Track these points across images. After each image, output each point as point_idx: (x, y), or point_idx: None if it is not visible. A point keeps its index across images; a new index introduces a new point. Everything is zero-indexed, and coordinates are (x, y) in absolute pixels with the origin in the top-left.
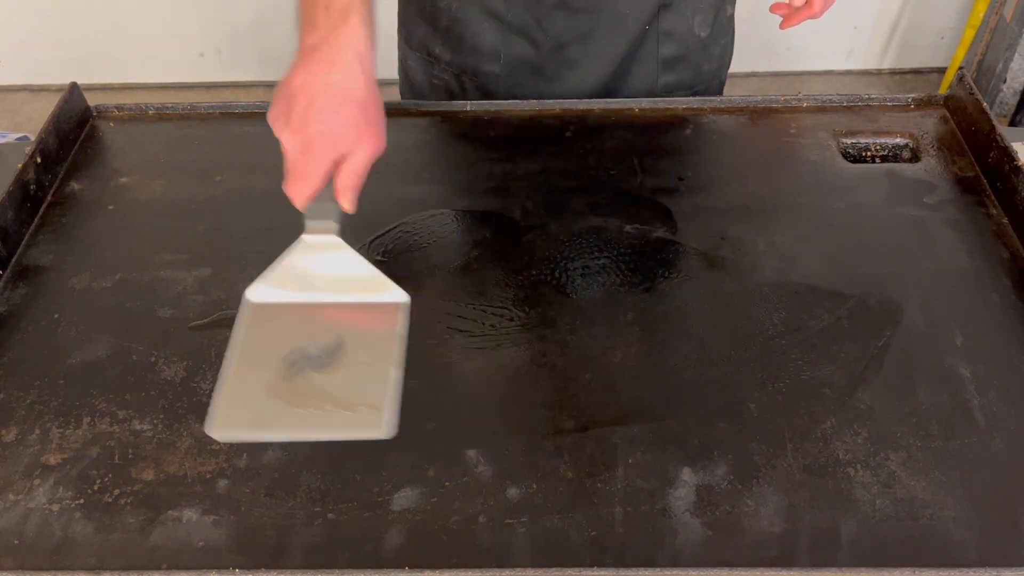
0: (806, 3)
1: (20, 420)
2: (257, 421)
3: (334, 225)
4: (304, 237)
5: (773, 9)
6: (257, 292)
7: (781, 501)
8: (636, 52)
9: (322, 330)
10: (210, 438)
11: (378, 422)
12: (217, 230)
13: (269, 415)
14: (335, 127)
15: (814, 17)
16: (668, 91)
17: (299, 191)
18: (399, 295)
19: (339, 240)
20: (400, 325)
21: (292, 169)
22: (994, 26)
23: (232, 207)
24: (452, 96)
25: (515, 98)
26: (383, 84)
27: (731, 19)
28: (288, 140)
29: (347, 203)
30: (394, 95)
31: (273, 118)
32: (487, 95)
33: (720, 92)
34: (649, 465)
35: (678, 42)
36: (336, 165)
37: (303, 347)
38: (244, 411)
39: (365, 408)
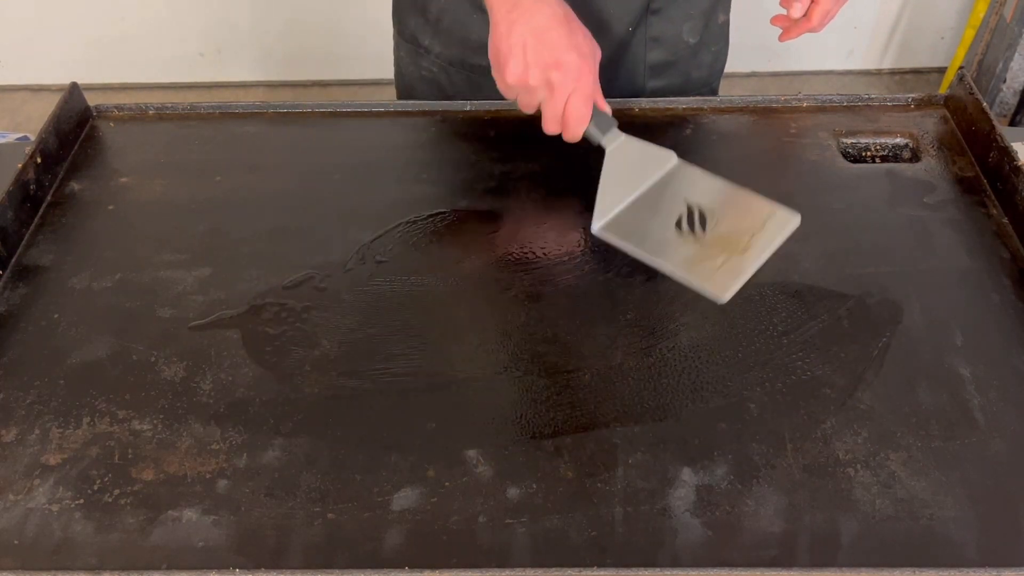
0: (805, 16)
1: (20, 420)
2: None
3: (615, 124)
4: (610, 149)
5: (773, 21)
6: (604, 215)
7: (781, 501)
8: (623, 56)
9: (679, 200)
10: (209, 438)
11: (788, 216)
12: (217, 230)
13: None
14: (588, 47)
15: (813, 31)
16: (656, 96)
17: (586, 113)
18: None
19: (626, 135)
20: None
21: (574, 98)
22: (994, 26)
23: (232, 207)
24: (441, 89)
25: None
26: (380, 84)
27: (724, 26)
28: (559, 77)
29: (606, 104)
30: (391, 94)
31: (519, 74)
32: (476, 88)
33: None
34: (649, 465)
35: (666, 48)
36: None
37: (682, 213)
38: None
39: (775, 215)
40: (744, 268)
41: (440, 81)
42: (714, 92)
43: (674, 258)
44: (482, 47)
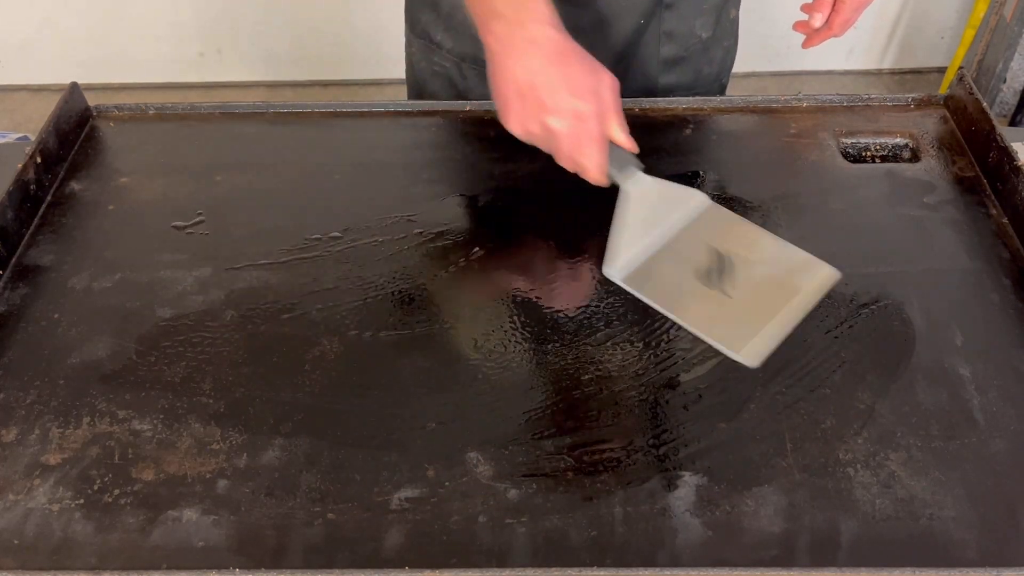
0: (826, 24)
1: (20, 420)
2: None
3: (639, 165)
4: (627, 189)
5: (795, 27)
6: (620, 266)
7: (781, 501)
8: (636, 51)
9: (704, 246)
10: (209, 438)
11: (827, 273)
12: (217, 230)
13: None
14: (589, 84)
15: (835, 36)
16: (668, 92)
17: (598, 156)
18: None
19: (650, 177)
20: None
21: (579, 142)
22: (994, 26)
23: (232, 207)
24: (452, 84)
25: None
26: (380, 84)
27: (734, 22)
28: (559, 123)
29: (631, 142)
30: (391, 94)
31: (523, 118)
32: (487, 83)
33: (722, 95)
34: (650, 465)
35: (679, 43)
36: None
37: (709, 263)
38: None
39: (811, 270)
40: (776, 331)
41: (452, 76)
42: (723, 88)
43: (695, 314)
44: None
